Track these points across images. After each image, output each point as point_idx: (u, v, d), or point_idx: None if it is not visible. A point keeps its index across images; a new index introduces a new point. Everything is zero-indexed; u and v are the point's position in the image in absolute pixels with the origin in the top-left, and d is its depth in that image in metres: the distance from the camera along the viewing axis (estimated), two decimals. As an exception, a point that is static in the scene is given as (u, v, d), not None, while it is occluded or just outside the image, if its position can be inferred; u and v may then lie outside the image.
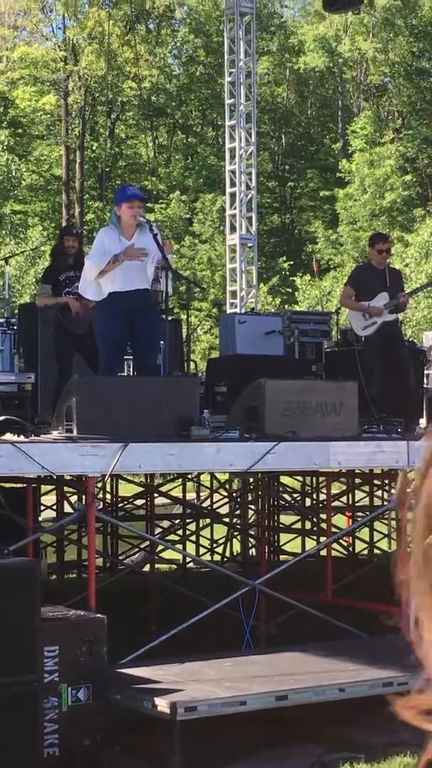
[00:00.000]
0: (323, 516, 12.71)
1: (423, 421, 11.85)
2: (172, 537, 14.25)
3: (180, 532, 14.55)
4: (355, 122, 45.96)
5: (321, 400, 8.85)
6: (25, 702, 6.18)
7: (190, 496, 15.70)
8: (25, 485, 8.93)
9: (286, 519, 15.22)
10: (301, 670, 7.44)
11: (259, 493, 12.86)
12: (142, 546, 13.79)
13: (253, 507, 15.02)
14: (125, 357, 10.73)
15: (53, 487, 12.82)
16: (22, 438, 7.59)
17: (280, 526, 14.63)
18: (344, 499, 14.37)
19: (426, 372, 13.04)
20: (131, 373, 11.63)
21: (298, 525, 14.90)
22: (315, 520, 14.26)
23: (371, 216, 41.88)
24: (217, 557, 14.94)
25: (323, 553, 10.57)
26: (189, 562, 13.90)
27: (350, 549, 14.70)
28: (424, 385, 12.80)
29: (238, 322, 13.62)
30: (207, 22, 48.15)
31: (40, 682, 6.31)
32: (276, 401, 8.67)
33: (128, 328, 9.62)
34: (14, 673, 6.15)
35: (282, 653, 8.02)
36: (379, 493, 14.86)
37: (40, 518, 12.83)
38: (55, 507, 13.68)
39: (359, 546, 14.85)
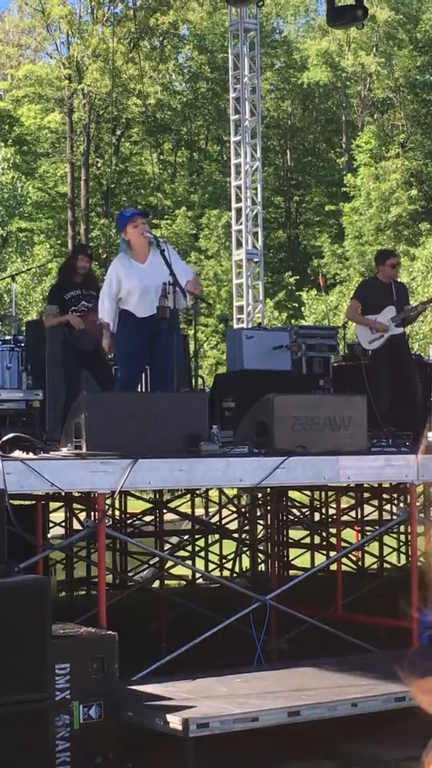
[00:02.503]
0: (332, 530, 12.69)
1: (431, 435, 11.84)
2: (181, 553, 14.21)
3: (189, 547, 14.51)
4: (360, 137, 46.01)
5: (330, 415, 8.84)
6: (37, 720, 6.16)
7: (199, 511, 15.67)
8: (34, 502, 8.92)
9: (295, 534, 15.19)
10: (313, 685, 7.42)
11: (268, 508, 12.84)
12: (151, 562, 13.76)
13: (262, 522, 15.00)
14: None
15: (62, 504, 12.81)
16: (31, 455, 7.58)
17: (289, 541, 14.59)
18: (353, 513, 14.34)
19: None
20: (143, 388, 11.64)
21: (307, 540, 14.87)
22: (324, 534, 14.23)
23: (377, 230, 41.91)
24: (226, 573, 14.91)
25: (333, 567, 10.54)
26: (198, 577, 13.88)
27: (359, 563, 14.66)
28: (432, 399, 12.78)
29: (245, 337, 13.61)
30: (211, 38, 48.26)
31: (51, 700, 6.29)
32: (285, 416, 8.66)
33: (148, 346, 9.64)
34: (25, 691, 6.13)
35: (294, 668, 8.00)
36: (388, 507, 14.83)
37: (50, 535, 12.81)
38: (64, 524, 13.66)
39: (368, 560, 14.81)
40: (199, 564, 14.55)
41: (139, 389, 10.82)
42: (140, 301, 9.57)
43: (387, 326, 11.84)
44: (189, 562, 13.34)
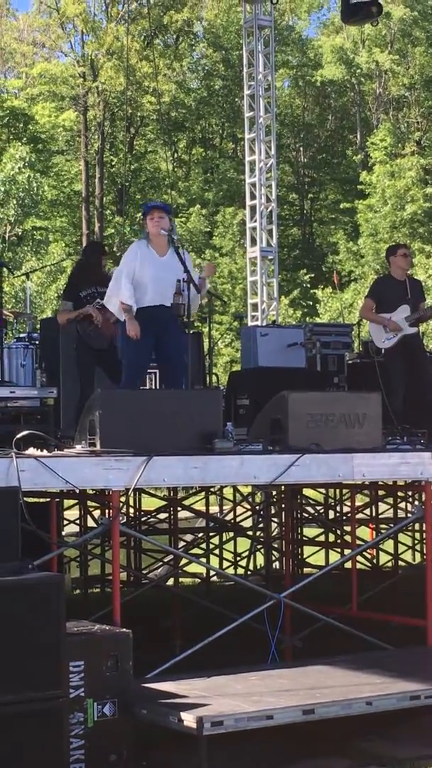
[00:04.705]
0: (347, 528, 12.66)
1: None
2: (195, 550, 14.20)
3: (203, 545, 14.50)
4: (375, 134, 45.94)
5: (345, 412, 8.81)
6: (51, 718, 6.16)
7: (213, 509, 15.66)
8: (48, 500, 8.92)
9: (309, 532, 15.17)
10: (327, 683, 7.40)
11: (283, 505, 12.82)
12: (165, 560, 13.76)
13: (276, 520, 14.98)
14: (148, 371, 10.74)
15: (76, 501, 12.81)
16: (45, 452, 7.58)
17: (304, 538, 14.58)
18: (368, 511, 14.31)
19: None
20: (154, 386, 11.63)
21: (322, 537, 14.85)
22: (339, 532, 14.21)
23: (392, 228, 41.83)
24: (240, 571, 14.90)
25: (347, 565, 10.52)
26: (213, 575, 13.87)
27: (374, 561, 14.63)
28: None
29: (260, 334, 13.59)
30: (225, 35, 48.24)
31: (65, 698, 6.29)
32: (299, 413, 8.64)
33: (155, 344, 9.65)
34: (40, 689, 6.13)
35: (308, 667, 7.97)
36: (402, 505, 14.80)
37: (64, 533, 12.81)
38: (78, 521, 13.67)
39: (383, 558, 14.78)
40: (214, 562, 14.54)
41: (146, 386, 10.83)
42: (155, 292, 9.58)
43: (401, 327, 11.81)
44: (203, 560, 13.33)
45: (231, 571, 14.66)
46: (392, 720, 7.36)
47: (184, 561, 12.12)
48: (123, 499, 11.90)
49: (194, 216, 43.81)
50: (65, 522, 13.64)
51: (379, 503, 14.47)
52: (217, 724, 6.41)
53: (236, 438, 8.87)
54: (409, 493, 13.40)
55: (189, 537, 14.59)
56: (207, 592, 12.98)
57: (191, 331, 10.14)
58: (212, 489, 14.45)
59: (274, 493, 13.36)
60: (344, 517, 14.52)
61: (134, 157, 48.11)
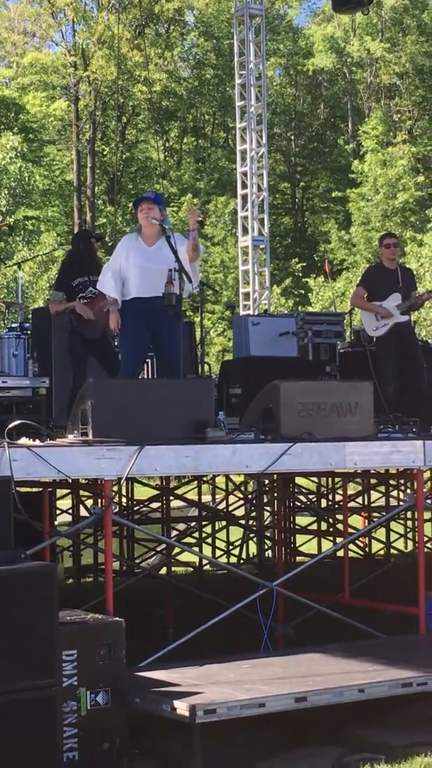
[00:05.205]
0: (339, 517, 12.68)
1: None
2: (188, 539, 14.23)
3: (196, 534, 14.53)
4: (366, 123, 45.91)
5: (336, 401, 8.83)
6: (44, 706, 6.17)
7: (206, 498, 15.68)
8: (40, 489, 8.93)
9: (301, 520, 15.20)
10: (320, 671, 7.42)
11: (275, 494, 12.84)
12: (158, 549, 13.78)
13: (268, 508, 15.01)
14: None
15: (69, 491, 12.82)
16: (37, 442, 7.59)
17: (296, 527, 14.60)
18: (360, 499, 14.34)
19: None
20: (149, 375, 11.63)
21: (314, 526, 14.88)
22: (331, 521, 14.24)
23: (384, 216, 41.82)
24: (233, 559, 14.93)
25: (340, 554, 10.55)
26: (205, 564, 13.90)
27: (366, 550, 14.67)
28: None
29: (252, 324, 13.60)
30: (216, 24, 48.15)
31: (58, 687, 6.29)
32: (291, 402, 8.65)
33: (151, 335, 9.64)
34: (32, 678, 6.14)
35: (300, 655, 7.99)
36: (395, 493, 14.84)
37: (56, 522, 12.83)
38: (71, 511, 13.68)
39: (376, 546, 14.82)
40: (206, 551, 14.57)
41: (142, 376, 10.81)
42: (141, 282, 9.56)
43: (392, 313, 11.83)
44: (196, 549, 13.36)
45: (224, 559, 14.69)
46: (384, 707, 7.38)
47: (176, 550, 12.15)
48: (115, 488, 11.89)
49: (186, 205, 43.75)
50: (58, 511, 13.65)
51: (371, 492, 14.52)
52: (210, 712, 6.43)
53: (228, 427, 8.86)
54: (401, 481, 13.44)
55: (182, 526, 14.61)
56: (200, 580, 13.00)
57: (183, 321, 10.13)
58: (205, 478, 14.46)
59: (267, 481, 13.40)
60: (336, 506, 14.55)
61: (126, 146, 48.04)
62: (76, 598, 9.48)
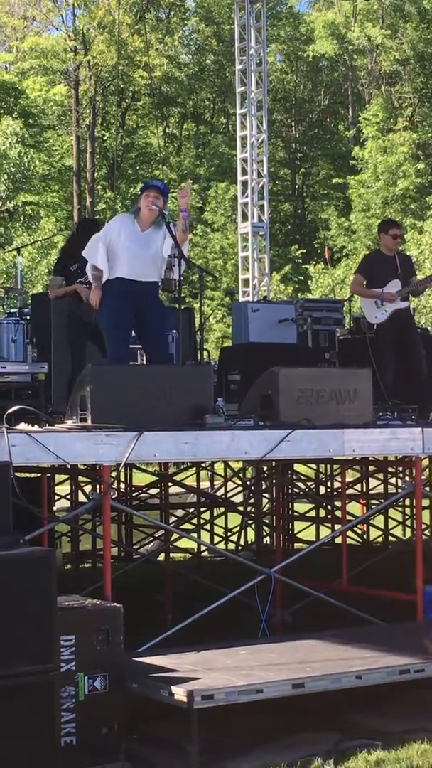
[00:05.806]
0: (338, 504, 12.70)
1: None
2: (186, 526, 14.25)
3: (194, 520, 14.55)
4: (367, 109, 45.84)
5: (335, 388, 8.82)
6: (42, 691, 6.18)
7: (204, 485, 15.70)
8: (39, 475, 8.93)
9: (300, 507, 15.22)
10: (317, 657, 7.43)
11: (273, 481, 12.85)
12: (156, 535, 13.79)
13: (267, 495, 15.02)
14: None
15: (68, 476, 12.83)
16: (36, 428, 7.58)
17: (295, 514, 14.62)
18: (358, 486, 14.36)
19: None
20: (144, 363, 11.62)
21: (313, 513, 14.90)
22: (329, 507, 14.25)
23: (384, 203, 41.78)
24: (231, 546, 14.95)
25: (338, 540, 10.56)
26: (204, 550, 13.91)
27: (365, 536, 14.69)
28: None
29: (251, 310, 13.59)
30: (217, 10, 48.03)
31: (56, 672, 6.30)
32: (290, 389, 8.65)
33: (134, 316, 9.56)
34: (31, 663, 6.14)
35: (298, 641, 8.01)
36: (393, 480, 14.85)
37: (55, 508, 12.84)
38: (69, 496, 13.69)
39: (374, 533, 14.83)
40: (205, 537, 14.58)
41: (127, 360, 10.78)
42: (128, 265, 9.50)
43: (394, 297, 11.80)
44: (194, 535, 13.37)
45: (222, 546, 14.71)
46: (382, 694, 7.40)
47: (175, 536, 12.15)
48: (114, 474, 11.90)
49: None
50: (56, 497, 13.67)
51: (370, 479, 14.53)
52: (208, 698, 6.44)
53: (227, 413, 8.86)
54: (400, 468, 13.44)
55: (180, 512, 14.63)
56: (198, 566, 13.02)
57: (183, 307, 10.12)
58: (203, 464, 14.47)
59: (265, 468, 13.40)
60: (335, 493, 14.57)
61: (126, 131, 47.96)
62: (75, 584, 9.51)
